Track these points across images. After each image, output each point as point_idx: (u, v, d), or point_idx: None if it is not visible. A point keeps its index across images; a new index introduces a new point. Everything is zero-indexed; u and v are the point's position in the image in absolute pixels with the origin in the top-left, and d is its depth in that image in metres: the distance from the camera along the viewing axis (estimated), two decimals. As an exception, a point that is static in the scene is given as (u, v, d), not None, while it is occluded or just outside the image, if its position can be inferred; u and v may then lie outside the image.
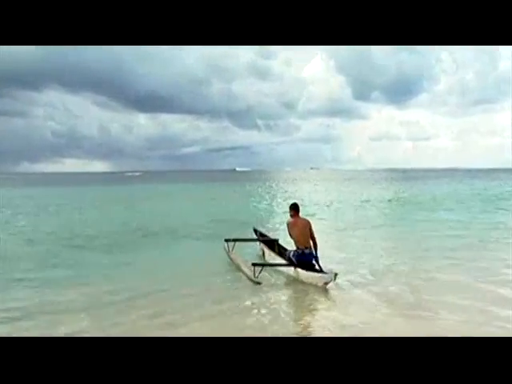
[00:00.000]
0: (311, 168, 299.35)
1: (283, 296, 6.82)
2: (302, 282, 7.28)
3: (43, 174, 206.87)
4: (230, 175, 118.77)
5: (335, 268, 7.24)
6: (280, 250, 8.84)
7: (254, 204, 23.93)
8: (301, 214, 7.85)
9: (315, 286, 7.00)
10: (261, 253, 9.48)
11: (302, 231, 7.54)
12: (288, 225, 7.72)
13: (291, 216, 7.77)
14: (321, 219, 15.88)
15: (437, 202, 23.49)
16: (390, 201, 25.03)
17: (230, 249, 9.25)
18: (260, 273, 7.40)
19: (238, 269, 8.15)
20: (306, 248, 7.49)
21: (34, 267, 8.85)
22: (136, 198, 31.60)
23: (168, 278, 7.84)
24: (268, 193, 34.46)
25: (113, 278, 7.96)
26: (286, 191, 36.58)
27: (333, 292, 6.76)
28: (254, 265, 7.49)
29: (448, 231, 13.17)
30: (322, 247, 7.82)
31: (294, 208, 7.76)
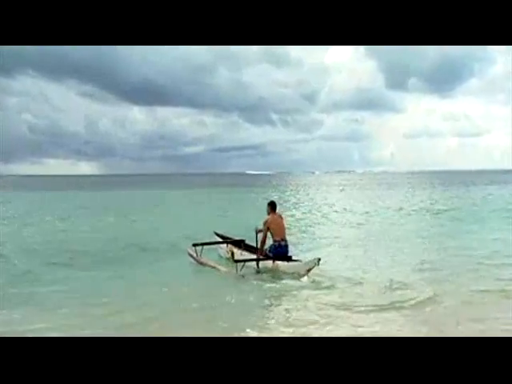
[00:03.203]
0: (338, 171, 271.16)
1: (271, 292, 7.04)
2: (283, 273, 7.82)
3: (20, 176, 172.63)
4: (240, 179, 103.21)
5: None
6: (248, 249, 9.31)
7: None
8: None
9: (298, 274, 7.56)
10: (228, 254, 9.57)
11: (280, 224, 8.39)
12: (266, 221, 8.40)
13: (268, 213, 8.56)
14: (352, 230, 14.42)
15: (487, 214, 18.98)
16: (437, 213, 20.38)
17: (198, 253, 9.37)
18: (242, 268, 8.01)
19: (216, 270, 8.56)
20: (283, 240, 8.28)
21: (7, 288, 7.55)
22: (130, 205, 27.80)
23: (165, 300, 6.87)
24: (285, 201, 29.12)
25: (105, 302, 6.82)
26: (309, 198, 31.51)
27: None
28: (237, 261, 8.18)
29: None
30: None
31: (272, 205, 8.62)
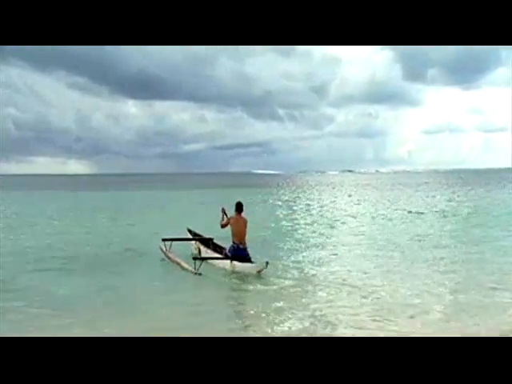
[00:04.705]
0: (349, 170, 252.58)
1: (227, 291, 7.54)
2: (238, 273, 8.34)
3: (5, 176, 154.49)
4: (244, 179, 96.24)
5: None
6: (215, 248, 9.77)
7: (277, 222, 17.79)
8: None
9: (250, 274, 8.13)
10: (196, 251, 9.94)
11: (241, 228, 8.88)
12: (230, 219, 9.02)
13: (235, 213, 9.12)
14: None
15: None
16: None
17: (168, 248, 9.85)
18: (200, 266, 8.38)
19: (178, 265, 8.94)
20: (241, 243, 8.83)
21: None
22: (125, 207, 26.25)
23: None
24: (295, 204, 27.13)
25: (99, 313, 6.36)
26: (322, 202, 28.49)
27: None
28: (195, 259, 8.68)
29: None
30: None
31: (237, 207, 9.15)
